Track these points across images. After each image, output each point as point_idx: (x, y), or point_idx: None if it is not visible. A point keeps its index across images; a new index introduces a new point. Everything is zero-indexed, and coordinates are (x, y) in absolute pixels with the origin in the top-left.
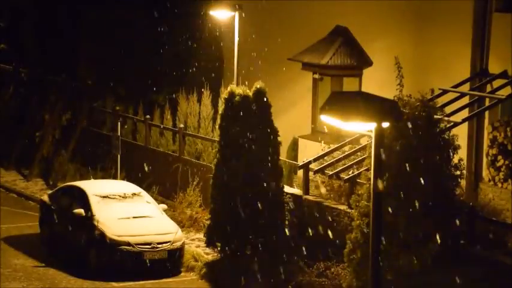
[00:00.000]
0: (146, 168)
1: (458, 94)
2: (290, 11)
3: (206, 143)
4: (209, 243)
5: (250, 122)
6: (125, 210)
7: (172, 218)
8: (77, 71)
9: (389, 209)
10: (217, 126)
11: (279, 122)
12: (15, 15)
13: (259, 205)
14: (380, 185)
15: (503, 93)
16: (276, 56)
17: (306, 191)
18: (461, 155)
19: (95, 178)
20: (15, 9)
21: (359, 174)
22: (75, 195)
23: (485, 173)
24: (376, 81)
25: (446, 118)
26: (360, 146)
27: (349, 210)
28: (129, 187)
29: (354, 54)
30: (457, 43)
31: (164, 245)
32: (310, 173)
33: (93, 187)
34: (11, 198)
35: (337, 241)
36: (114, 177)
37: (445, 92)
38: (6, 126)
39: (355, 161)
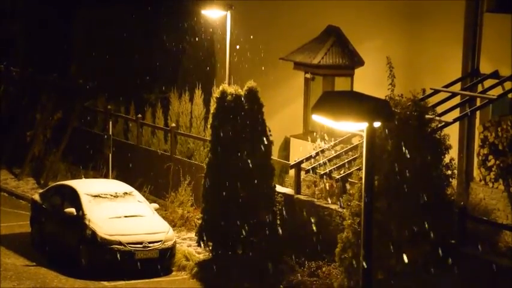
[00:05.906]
0: (137, 168)
1: (450, 94)
2: (282, 10)
3: (198, 142)
4: (200, 242)
5: (242, 122)
6: (116, 210)
7: (164, 217)
8: (68, 70)
9: (381, 209)
10: (209, 126)
11: (271, 121)
12: (6, 14)
13: (250, 204)
14: None
15: (494, 93)
16: (268, 55)
17: (298, 190)
18: (452, 155)
19: (86, 177)
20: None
21: (350, 173)
22: (67, 195)
23: (476, 173)
24: (368, 80)
25: (437, 118)
26: (352, 146)
27: (340, 209)
28: (120, 186)
29: (346, 54)
30: (448, 43)
31: (155, 244)
32: (302, 173)
33: (84, 186)
34: (2, 197)
35: (329, 240)
36: (106, 177)
37: (436, 91)
38: None
39: (347, 160)
